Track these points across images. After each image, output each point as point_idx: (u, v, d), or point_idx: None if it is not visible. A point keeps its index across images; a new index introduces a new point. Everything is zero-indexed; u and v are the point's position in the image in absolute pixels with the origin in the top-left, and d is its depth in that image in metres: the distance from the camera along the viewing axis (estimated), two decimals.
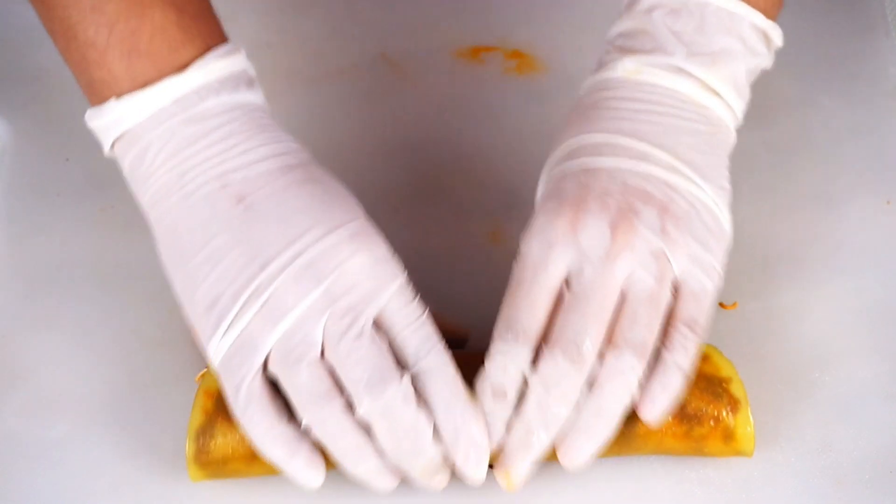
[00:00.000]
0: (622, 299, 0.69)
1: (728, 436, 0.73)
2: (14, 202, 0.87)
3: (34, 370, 0.80)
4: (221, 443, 0.72)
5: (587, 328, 0.68)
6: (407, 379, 0.68)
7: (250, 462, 0.72)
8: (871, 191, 0.86)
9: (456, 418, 0.68)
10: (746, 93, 0.76)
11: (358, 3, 0.95)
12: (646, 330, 0.69)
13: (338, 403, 0.68)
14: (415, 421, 0.68)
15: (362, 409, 0.68)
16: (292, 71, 0.92)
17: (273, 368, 0.68)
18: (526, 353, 0.69)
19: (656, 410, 0.70)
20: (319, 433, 0.68)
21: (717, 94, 0.74)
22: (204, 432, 0.73)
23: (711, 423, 0.73)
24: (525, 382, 0.69)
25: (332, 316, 0.68)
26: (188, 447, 0.73)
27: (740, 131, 0.88)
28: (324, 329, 0.68)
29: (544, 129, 0.89)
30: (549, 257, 0.69)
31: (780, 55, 0.91)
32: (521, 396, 0.69)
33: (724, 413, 0.73)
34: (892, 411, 0.78)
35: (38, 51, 0.93)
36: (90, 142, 0.89)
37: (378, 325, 0.69)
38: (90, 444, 0.78)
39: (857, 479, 0.75)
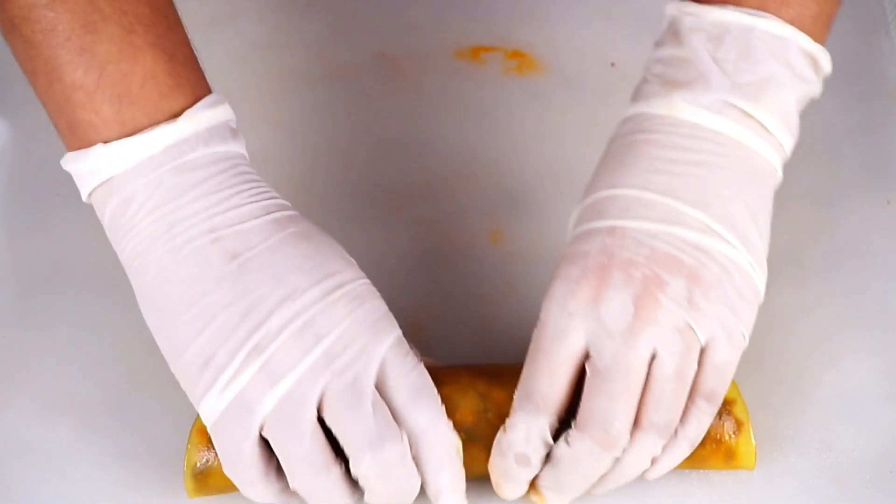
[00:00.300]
0: (646, 376, 0.67)
1: (730, 455, 0.73)
2: (14, 202, 0.87)
3: (34, 370, 0.80)
4: (220, 478, 0.71)
5: (615, 411, 0.66)
6: (405, 437, 0.67)
7: None
8: (871, 191, 0.85)
9: (441, 482, 0.68)
10: (796, 125, 0.72)
11: (358, 3, 0.95)
12: (671, 411, 0.68)
13: (334, 472, 0.67)
14: (409, 479, 0.68)
15: (362, 468, 0.67)
16: (292, 71, 0.92)
17: (268, 433, 0.66)
18: (547, 423, 0.68)
19: (656, 473, 0.70)
20: (305, 495, 0.68)
21: (764, 128, 0.70)
22: (202, 472, 0.72)
23: (713, 445, 0.72)
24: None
25: (332, 375, 0.66)
26: (186, 482, 0.72)
27: None
28: (323, 389, 0.66)
29: (544, 129, 0.89)
30: (569, 327, 0.67)
31: None
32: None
33: (728, 436, 0.72)
34: (892, 411, 0.78)
35: None
36: None
37: (379, 377, 0.68)
38: (90, 444, 0.78)
39: (857, 479, 0.75)
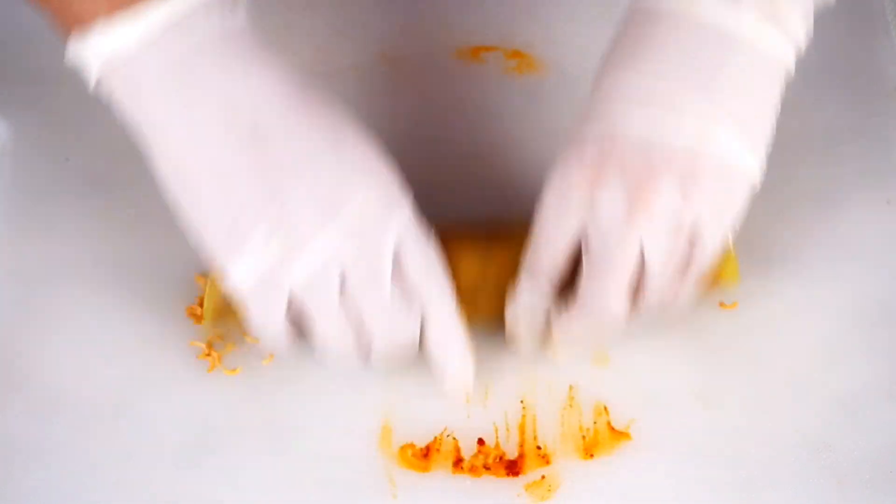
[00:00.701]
0: (643, 263, 0.71)
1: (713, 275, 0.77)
2: (14, 202, 0.87)
3: (34, 370, 0.80)
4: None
5: (610, 295, 0.72)
6: (419, 309, 0.72)
7: None
8: (871, 191, 0.86)
9: (448, 357, 0.74)
10: (811, 24, 0.72)
11: (358, 3, 0.95)
12: (664, 294, 0.73)
13: (350, 336, 0.72)
14: (414, 343, 0.74)
15: (372, 338, 0.72)
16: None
17: (299, 300, 0.71)
18: (549, 291, 0.74)
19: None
20: (329, 357, 0.74)
21: (781, 21, 0.70)
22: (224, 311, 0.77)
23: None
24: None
25: (350, 255, 0.70)
26: (209, 308, 0.78)
27: None
28: (343, 261, 0.70)
29: (544, 129, 0.89)
30: (566, 214, 0.72)
31: None
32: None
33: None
34: (892, 411, 0.78)
35: (38, 51, 0.93)
36: (90, 142, 0.89)
37: (396, 258, 0.71)
38: (90, 444, 0.78)
39: (857, 479, 0.75)
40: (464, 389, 0.76)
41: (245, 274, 0.70)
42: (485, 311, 0.78)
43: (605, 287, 0.72)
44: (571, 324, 0.75)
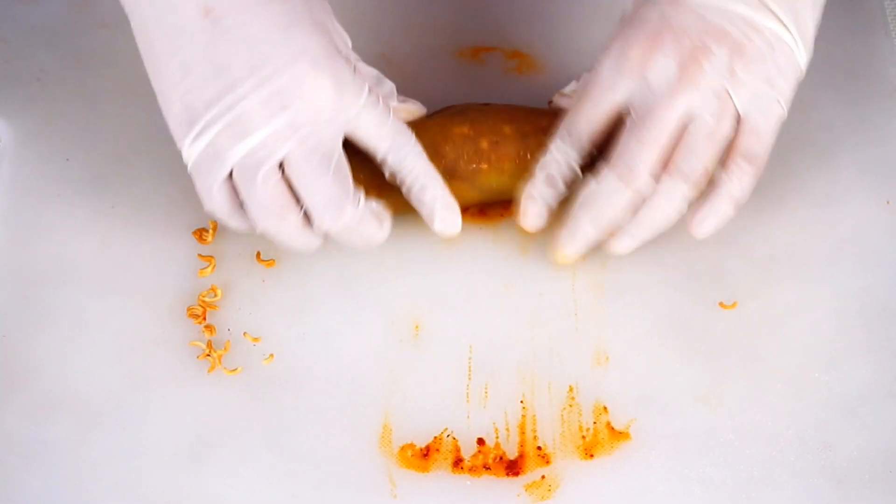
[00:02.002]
0: (681, 133, 0.75)
1: None
2: (14, 202, 0.87)
3: (34, 370, 0.80)
4: None
5: (642, 153, 0.75)
6: (363, 203, 0.75)
7: None
8: (871, 191, 0.86)
9: (429, 190, 0.77)
10: None
11: (358, 3, 0.95)
12: (700, 162, 0.75)
13: (293, 218, 0.75)
14: (371, 233, 0.77)
15: (324, 227, 0.75)
16: None
17: (235, 180, 0.74)
18: (577, 157, 0.77)
19: (703, 230, 0.77)
20: (273, 238, 0.76)
21: None
22: None
23: None
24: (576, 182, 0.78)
25: (297, 141, 0.72)
26: None
27: None
28: (287, 152, 0.73)
29: None
30: (616, 82, 0.76)
31: None
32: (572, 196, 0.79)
33: None
34: (892, 411, 0.78)
35: (38, 51, 0.93)
36: (90, 142, 0.89)
37: (348, 137, 0.75)
38: (90, 444, 0.78)
39: (857, 479, 0.75)
40: (452, 225, 0.79)
41: (193, 150, 0.74)
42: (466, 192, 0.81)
43: (641, 146, 0.74)
44: (595, 189, 0.76)
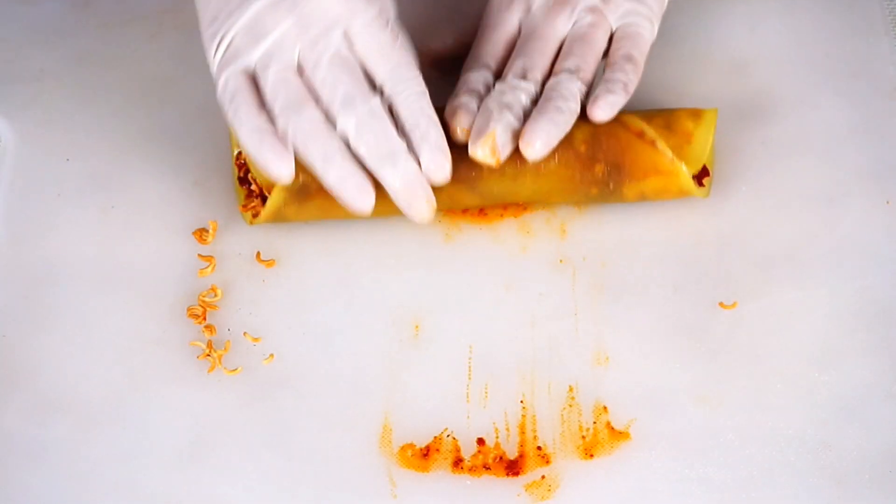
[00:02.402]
0: (563, 43, 0.84)
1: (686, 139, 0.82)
2: (14, 202, 0.87)
3: (34, 370, 0.80)
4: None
5: (531, 57, 0.83)
6: (377, 97, 0.78)
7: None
8: (871, 191, 0.86)
9: (421, 127, 0.78)
10: None
11: None
12: (579, 59, 0.82)
13: (312, 110, 0.77)
14: (386, 131, 0.77)
15: (339, 123, 0.77)
16: None
17: (257, 75, 0.78)
18: (487, 76, 0.83)
19: (602, 110, 0.81)
20: (294, 138, 0.77)
21: None
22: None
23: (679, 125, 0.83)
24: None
25: (306, 41, 0.77)
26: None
27: (740, 131, 0.88)
28: (299, 53, 0.77)
29: None
30: (508, 9, 0.85)
31: (780, 55, 0.91)
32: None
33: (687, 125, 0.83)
34: (892, 411, 0.78)
35: (38, 51, 0.93)
36: (90, 142, 0.89)
37: (353, 51, 0.78)
38: (90, 444, 0.78)
39: (857, 479, 0.75)
40: (441, 170, 0.79)
41: (216, 55, 0.78)
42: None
43: (529, 53, 0.83)
44: (500, 88, 0.81)
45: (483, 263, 0.84)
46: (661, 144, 0.81)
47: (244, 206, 0.83)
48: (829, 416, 0.77)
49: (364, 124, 0.77)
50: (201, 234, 0.85)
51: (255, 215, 0.83)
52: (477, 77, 0.83)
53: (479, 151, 0.79)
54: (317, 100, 0.78)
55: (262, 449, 0.78)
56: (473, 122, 0.80)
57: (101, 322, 0.82)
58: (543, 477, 0.76)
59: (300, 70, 0.78)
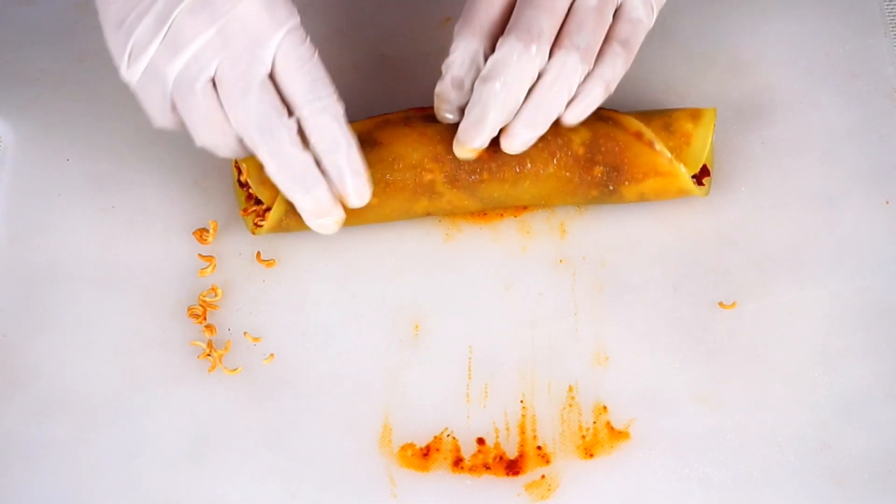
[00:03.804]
0: (572, 8, 0.77)
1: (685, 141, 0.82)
2: (14, 202, 0.87)
3: (34, 370, 0.80)
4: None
5: (539, 18, 0.76)
6: (293, 122, 0.75)
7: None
8: (871, 191, 0.86)
9: (340, 152, 0.76)
10: None
11: (358, 3, 0.95)
12: (591, 36, 0.77)
13: (229, 133, 0.76)
14: (302, 160, 0.76)
15: (253, 146, 0.75)
16: None
17: (174, 96, 0.75)
18: (482, 47, 0.78)
19: (573, 114, 0.78)
20: (212, 150, 0.77)
21: None
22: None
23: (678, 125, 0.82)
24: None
25: (225, 59, 0.73)
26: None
27: (740, 131, 0.88)
28: (217, 69, 0.74)
29: None
30: None
31: (780, 54, 0.91)
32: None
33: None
34: (892, 411, 0.78)
35: (38, 51, 0.93)
36: (90, 142, 0.89)
37: (272, 66, 0.74)
38: (90, 444, 0.78)
39: (857, 479, 0.75)
40: (360, 199, 0.78)
41: (133, 68, 0.75)
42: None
43: (537, 11, 0.76)
44: (497, 58, 0.76)
45: (483, 263, 0.84)
46: (660, 145, 0.81)
47: (244, 210, 0.83)
48: (829, 416, 0.77)
49: (277, 150, 0.75)
50: (201, 234, 0.85)
51: (258, 224, 0.83)
52: (467, 54, 0.78)
53: (461, 153, 0.80)
54: (228, 116, 0.75)
55: (263, 449, 0.78)
56: (461, 113, 0.79)
57: (102, 322, 0.82)
58: (543, 477, 0.76)
59: (215, 84, 0.75)
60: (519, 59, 0.76)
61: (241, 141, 0.76)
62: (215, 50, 0.73)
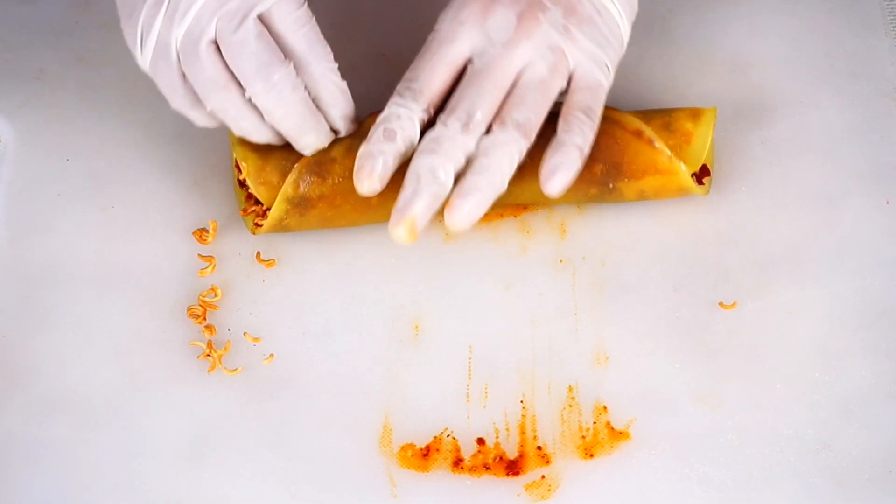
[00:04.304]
0: (516, 83, 0.77)
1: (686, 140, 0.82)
2: (14, 202, 0.87)
3: (34, 370, 0.80)
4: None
5: (480, 100, 0.76)
6: (291, 66, 0.77)
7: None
8: (871, 191, 0.86)
9: (339, 106, 0.80)
10: None
11: (358, 3, 0.95)
12: (530, 111, 0.77)
13: (235, 92, 0.77)
14: (301, 101, 0.78)
15: (256, 95, 0.77)
16: None
17: (182, 64, 0.77)
18: (418, 111, 0.78)
19: (555, 182, 0.77)
20: (223, 117, 0.79)
21: None
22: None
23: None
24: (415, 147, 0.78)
25: (222, 16, 0.75)
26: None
27: (740, 131, 0.88)
28: (216, 29, 0.76)
29: None
30: (456, 33, 0.78)
31: (780, 54, 0.91)
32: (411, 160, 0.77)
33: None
34: (892, 411, 0.78)
35: (38, 51, 0.93)
36: (90, 142, 0.89)
37: (268, 27, 0.77)
38: (90, 444, 0.78)
39: (857, 479, 0.75)
40: (345, 119, 0.81)
41: (144, 54, 0.77)
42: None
43: (480, 93, 0.76)
44: (435, 134, 0.76)
45: (483, 263, 0.84)
46: (659, 143, 0.81)
47: (244, 210, 0.83)
48: (829, 416, 0.77)
49: (279, 95, 0.77)
50: (201, 234, 0.85)
51: (257, 224, 0.83)
52: (404, 111, 0.78)
53: (398, 232, 0.76)
54: (234, 73, 0.77)
55: (262, 449, 0.78)
56: (385, 181, 0.77)
57: (101, 322, 0.82)
58: (543, 477, 0.76)
59: (218, 47, 0.77)
60: (454, 139, 0.76)
61: (248, 102, 0.78)
62: (213, 9, 0.75)
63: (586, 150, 0.77)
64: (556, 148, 0.77)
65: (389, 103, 0.78)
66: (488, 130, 0.77)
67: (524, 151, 0.77)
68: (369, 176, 0.76)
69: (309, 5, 0.79)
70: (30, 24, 0.94)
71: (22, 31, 0.94)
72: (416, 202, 0.75)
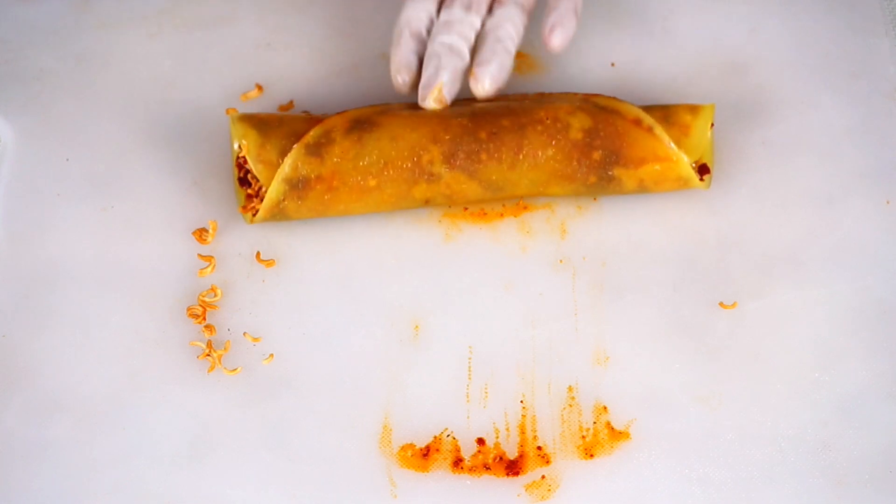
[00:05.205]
0: None
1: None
2: (14, 202, 0.87)
3: (34, 370, 0.80)
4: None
5: None
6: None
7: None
8: (871, 191, 0.86)
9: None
10: None
11: (358, 3, 0.95)
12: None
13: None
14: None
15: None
16: (292, 71, 0.92)
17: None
18: (432, 5, 0.86)
19: (557, 37, 0.85)
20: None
21: None
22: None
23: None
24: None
25: None
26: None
27: (740, 131, 0.88)
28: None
29: None
30: None
31: (780, 54, 0.91)
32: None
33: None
34: (892, 411, 0.78)
35: (38, 51, 0.93)
36: (90, 142, 0.89)
37: None
38: (90, 444, 0.78)
39: (857, 479, 0.75)
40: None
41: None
42: None
43: None
44: (445, 19, 0.84)
45: (483, 263, 0.84)
46: (659, 130, 0.81)
47: (244, 207, 0.83)
48: (829, 416, 0.77)
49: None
50: (201, 234, 0.85)
51: (255, 212, 0.83)
52: (418, 13, 0.86)
53: (428, 102, 0.83)
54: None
55: (262, 449, 0.78)
56: (418, 73, 0.84)
57: (101, 322, 0.82)
58: (543, 477, 0.76)
59: None
60: (461, 20, 0.84)
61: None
62: None
63: (580, 10, 0.86)
64: (552, 8, 0.86)
65: (407, 3, 0.86)
66: (490, 13, 0.85)
67: (525, 25, 0.86)
68: (408, 74, 0.85)
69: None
70: (30, 24, 0.94)
71: (22, 31, 0.94)
72: (441, 73, 0.83)
